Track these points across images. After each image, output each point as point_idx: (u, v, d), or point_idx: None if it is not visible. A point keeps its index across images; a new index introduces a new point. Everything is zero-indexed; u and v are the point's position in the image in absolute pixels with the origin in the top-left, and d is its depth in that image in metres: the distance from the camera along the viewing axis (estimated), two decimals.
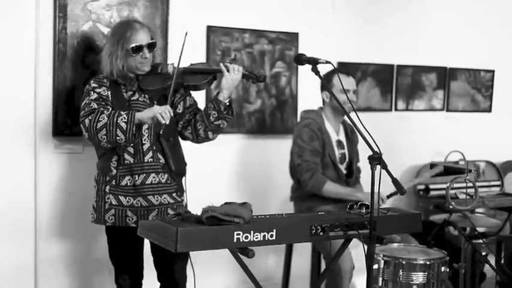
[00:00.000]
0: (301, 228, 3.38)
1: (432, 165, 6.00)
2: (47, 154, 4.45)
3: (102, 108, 3.83)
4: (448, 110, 6.51)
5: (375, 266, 4.03)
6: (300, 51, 5.21)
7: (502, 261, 4.78)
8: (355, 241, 3.74)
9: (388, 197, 4.60)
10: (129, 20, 4.16)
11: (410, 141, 6.23)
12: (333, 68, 3.80)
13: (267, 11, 5.38)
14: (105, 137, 3.75)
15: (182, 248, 3.06)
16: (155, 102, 3.98)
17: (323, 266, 4.77)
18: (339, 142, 4.96)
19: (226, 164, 5.25)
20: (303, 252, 5.26)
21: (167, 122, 3.73)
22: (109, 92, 3.92)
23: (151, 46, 3.98)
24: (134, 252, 4.09)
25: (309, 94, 5.18)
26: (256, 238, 3.23)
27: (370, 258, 3.32)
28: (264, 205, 5.03)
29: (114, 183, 3.94)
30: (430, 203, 5.85)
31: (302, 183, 4.78)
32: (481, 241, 5.00)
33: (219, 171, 5.16)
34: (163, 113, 3.71)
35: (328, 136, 4.88)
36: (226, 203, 3.32)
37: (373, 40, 5.95)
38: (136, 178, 3.94)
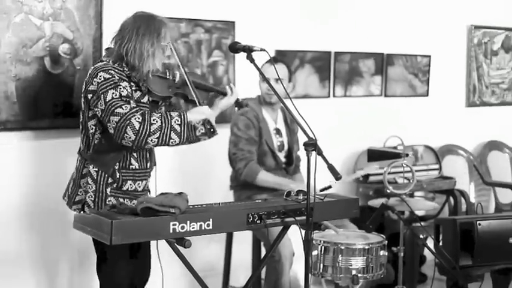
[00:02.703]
0: (238, 217, 3.39)
1: (370, 151, 6.07)
2: None
3: (147, 109, 3.69)
4: (386, 96, 6.56)
5: (314, 252, 4.06)
6: (236, 40, 5.18)
7: (440, 244, 4.84)
8: (296, 228, 3.74)
9: (321, 190, 4.59)
10: (156, 15, 3.81)
11: (349, 127, 6.26)
12: (268, 56, 3.79)
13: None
14: (156, 140, 3.58)
15: (117, 240, 3.05)
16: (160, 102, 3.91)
17: (264, 254, 4.77)
18: (277, 130, 4.96)
19: (164, 154, 5.20)
20: (243, 241, 5.26)
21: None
22: (131, 90, 3.71)
23: None
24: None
25: (246, 83, 5.17)
26: (193, 228, 3.23)
27: (307, 245, 3.34)
28: (204, 195, 5.00)
29: (115, 186, 3.76)
30: (369, 188, 5.90)
31: (236, 172, 4.78)
32: (419, 224, 5.05)
33: (157, 161, 5.12)
34: (211, 117, 3.79)
35: (265, 124, 4.87)
36: (161, 194, 3.31)
37: (310, 27, 5.96)
38: (140, 184, 3.85)
